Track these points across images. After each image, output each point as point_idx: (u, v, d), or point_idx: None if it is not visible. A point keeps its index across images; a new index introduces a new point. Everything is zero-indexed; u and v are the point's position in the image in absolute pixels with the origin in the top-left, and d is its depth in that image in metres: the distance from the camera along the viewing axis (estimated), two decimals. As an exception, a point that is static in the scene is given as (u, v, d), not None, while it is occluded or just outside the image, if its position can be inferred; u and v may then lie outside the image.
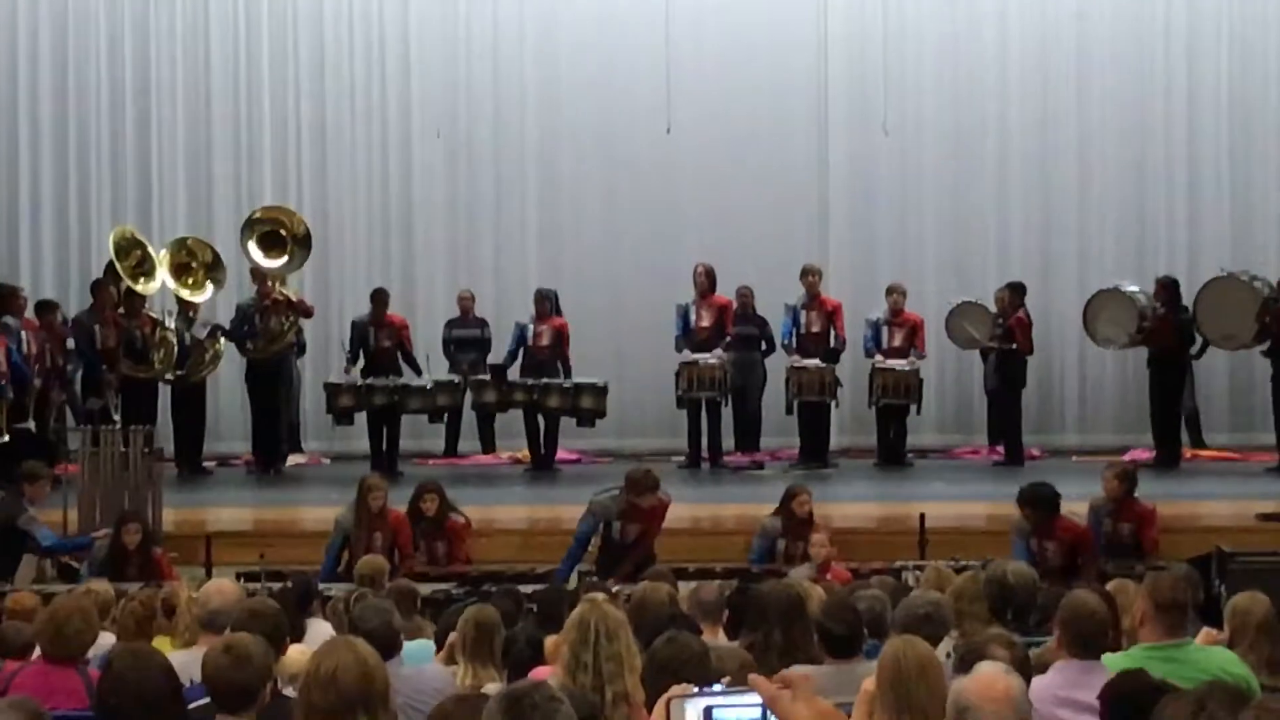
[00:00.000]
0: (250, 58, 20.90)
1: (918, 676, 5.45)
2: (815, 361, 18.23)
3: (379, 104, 21.01)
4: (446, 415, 18.83)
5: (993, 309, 18.76)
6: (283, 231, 18.35)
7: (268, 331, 18.39)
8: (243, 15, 20.90)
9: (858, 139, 20.66)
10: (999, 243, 20.76)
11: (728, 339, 18.35)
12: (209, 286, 18.51)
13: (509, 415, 18.77)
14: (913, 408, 18.59)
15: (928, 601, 8.27)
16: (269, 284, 18.33)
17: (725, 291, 18.56)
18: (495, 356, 18.81)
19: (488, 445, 19.49)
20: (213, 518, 15.91)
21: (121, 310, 18.17)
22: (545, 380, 18.11)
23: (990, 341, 18.66)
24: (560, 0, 20.89)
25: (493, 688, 7.02)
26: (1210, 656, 7.19)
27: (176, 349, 18.20)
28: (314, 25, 20.93)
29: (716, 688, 4.34)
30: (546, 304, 18.56)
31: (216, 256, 18.57)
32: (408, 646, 8.11)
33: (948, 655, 7.49)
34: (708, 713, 4.23)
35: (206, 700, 5.85)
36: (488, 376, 18.26)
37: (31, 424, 17.04)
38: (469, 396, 18.46)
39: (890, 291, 18.72)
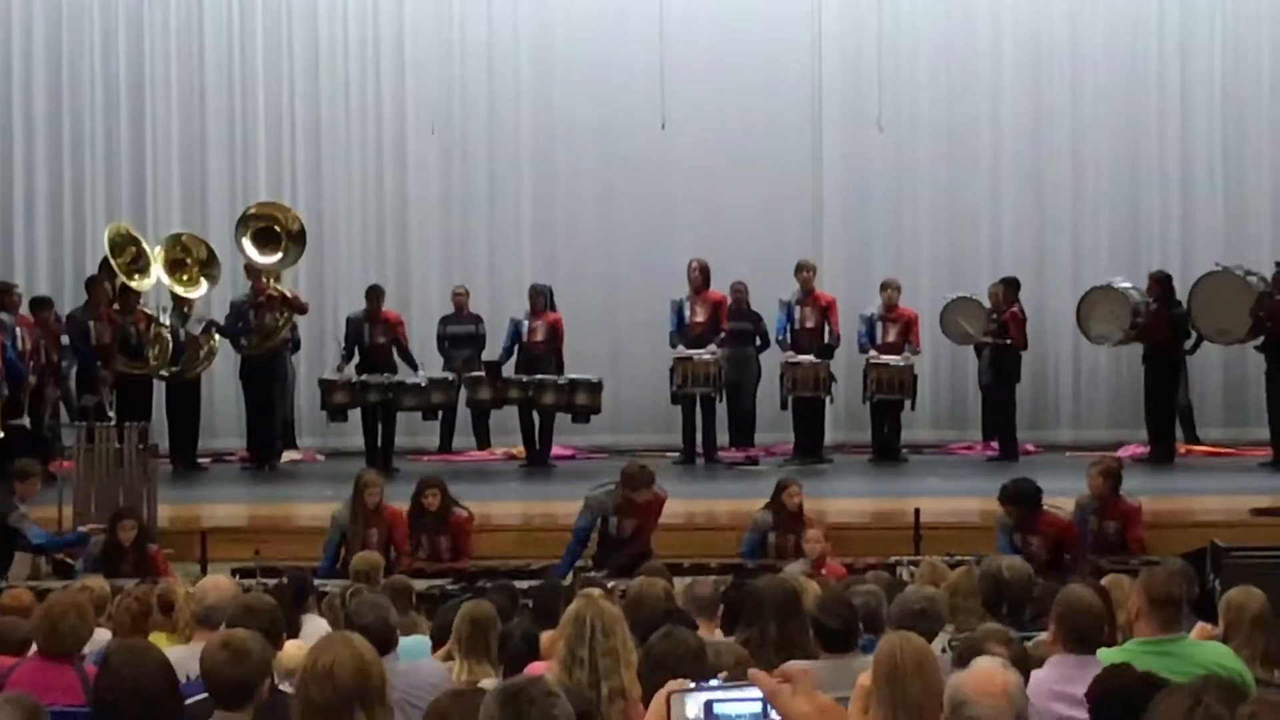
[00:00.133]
0: (245, 54, 20.89)
1: (914, 672, 5.46)
2: (810, 357, 18.23)
3: (373, 100, 21.00)
4: (441, 412, 18.83)
5: (987, 304, 18.78)
6: (277, 227, 18.35)
7: (262, 328, 18.39)
8: (237, 11, 20.88)
9: (852, 135, 20.68)
10: (993, 238, 20.77)
11: (722, 335, 18.35)
12: (204, 283, 18.51)
13: (504, 411, 18.77)
14: (907, 403, 18.59)
15: (923, 597, 8.28)
16: (264, 280, 18.33)
17: (720, 287, 18.56)
18: (490, 353, 18.81)
19: (483, 441, 19.51)
20: (208, 514, 15.91)
21: (116, 306, 18.17)
22: (540, 376, 18.11)
23: (985, 337, 18.67)
24: (555, -3, 20.95)
25: (489, 683, 7.04)
26: (1205, 651, 7.20)
27: (171, 345, 18.20)
28: (308, 21, 20.92)
29: (714, 682, 4.35)
30: (541, 299, 18.57)
31: (211, 253, 18.56)
32: (404, 642, 8.11)
33: (943, 650, 7.51)
34: (708, 707, 4.24)
35: (204, 696, 5.86)
36: (482, 373, 18.26)
37: (26, 420, 17.05)
38: (464, 393, 18.45)
39: (884, 287, 18.73)
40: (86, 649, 7.74)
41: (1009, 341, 18.64)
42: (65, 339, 18.03)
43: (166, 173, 20.88)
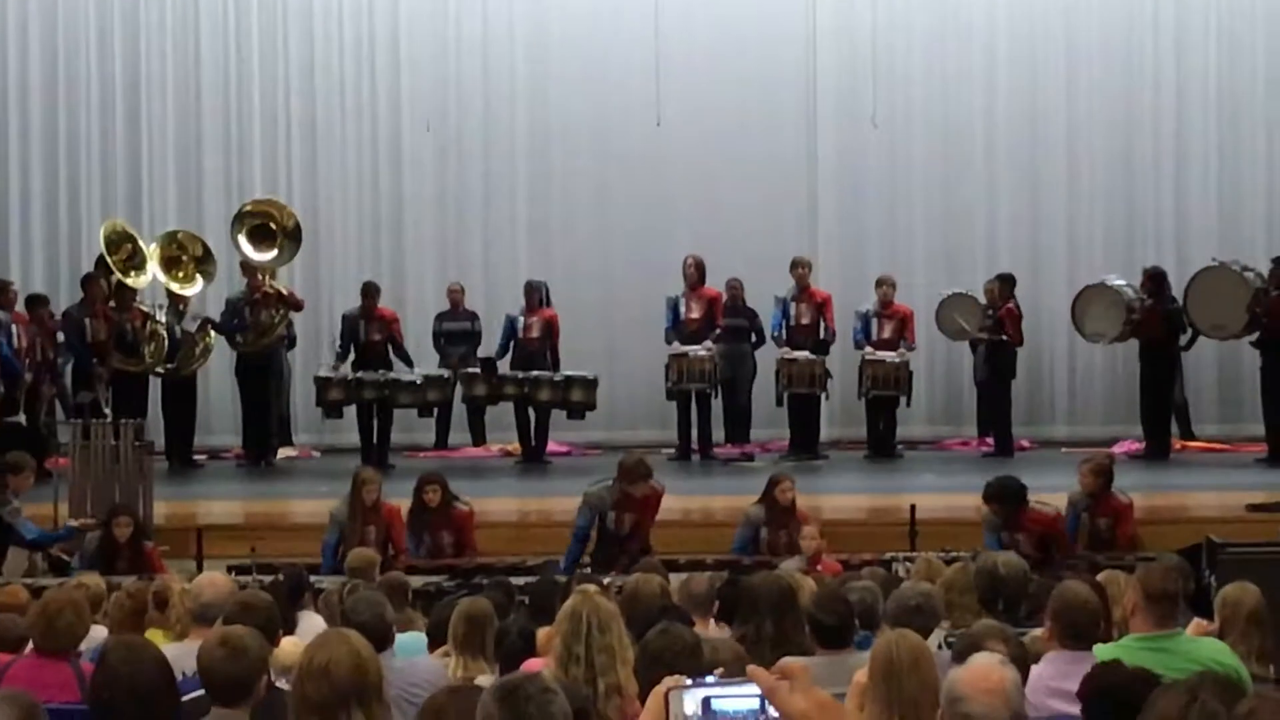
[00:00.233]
0: (240, 52, 20.88)
1: (910, 669, 5.46)
2: (805, 353, 18.24)
3: (369, 98, 20.99)
4: (437, 408, 18.83)
5: (983, 300, 18.80)
6: (273, 225, 18.33)
7: (258, 325, 18.38)
8: (232, 10, 20.87)
9: (847, 132, 20.69)
10: (988, 235, 20.78)
11: (717, 331, 18.36)
12: (199, 280, 18.49)
13: (499, 408, 18.78)
14: (902, 399, 18.62)
15: (918, 593, 8.30)
16: (259, 277, 18.32)
17: (715, 284, 18.57)
18: (485, 349, 18.82)
19: (478, 438, 19.52)
20: (203, 511, 15.89)
21: (112, 304, 18.15)
22: (536, 373, 18.12)
23: (980, 333, 18.69)
24: (550, -6, 20.95)
25: (484, 680, 7.04)
26: (1201, 647, 7.21)
27: (167, 342, 18.20)
28: (304, 19, 20.91)
29: (710, 679, 4.36)
30: (536, 295, 18.57)
31: (207, 250, 18.55)
32: (400, 639, 8.12)
33: (939, 646, 7.52)
34: (706, 703, 4.25)
35: (201, 693, 5.86)
36: (478, 369, 18.26)
37: (22, 417, 17.06)
38: (459, 389, 18.45)
39: (880, 283, 18.75)
40: (83, 646, 7.74)
41: (1004, 337, 18.67)
42: (61, 336, 18.02)
43: (162, 170, 20.88)
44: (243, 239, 18.27)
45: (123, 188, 20.79)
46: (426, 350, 19.27)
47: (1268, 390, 17.77)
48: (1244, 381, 19.33)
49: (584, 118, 20.78)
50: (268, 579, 10.81)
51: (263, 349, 18.47)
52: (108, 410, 16.91)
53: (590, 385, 18.08)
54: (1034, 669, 6.66)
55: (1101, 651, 6.77)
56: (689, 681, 4.24)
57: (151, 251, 18.24)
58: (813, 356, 18.25)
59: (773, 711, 4.11)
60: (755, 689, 4.13)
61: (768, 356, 18.74)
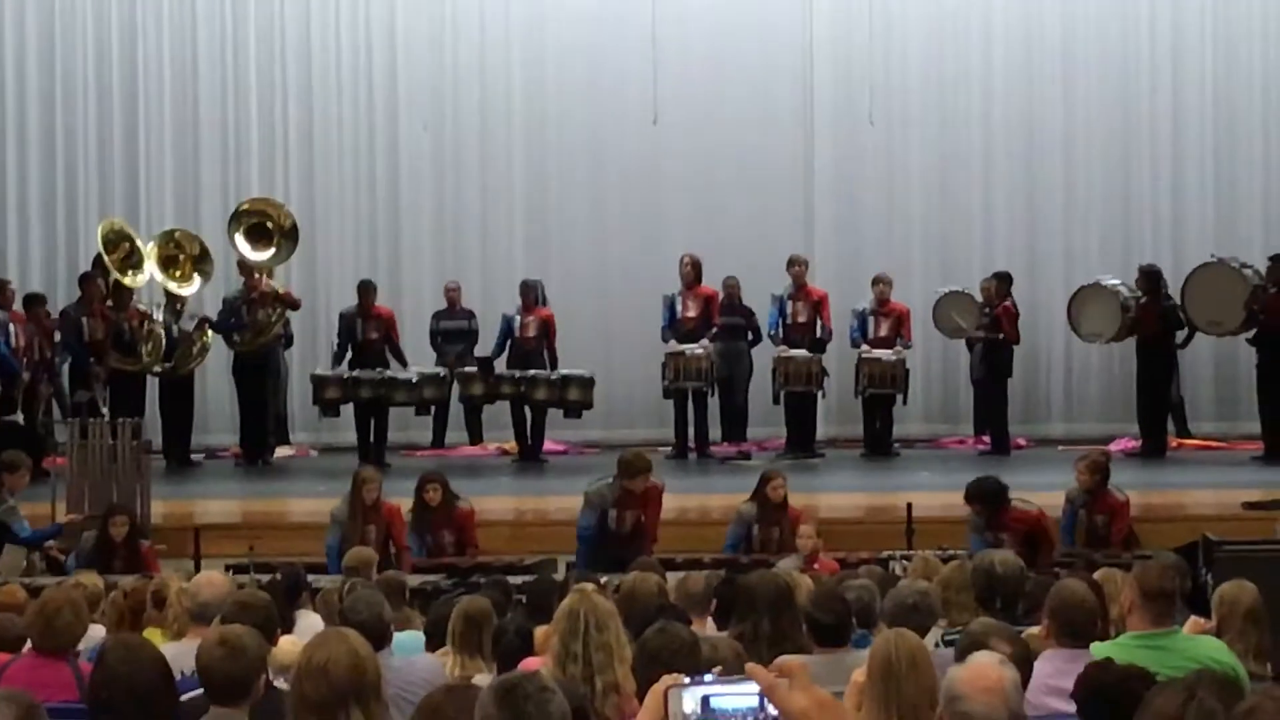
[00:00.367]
0: (238, 52, 20.87)
1: (908, 670, 5.46)
2: (802, 352, 18.25)
3: (365, 95, 20.99)
4: (434, 407, 18.83)
5: (979, 298, 18.80)
6: (269, 224, 18.31)
7: (255, 324, 18.37)
8: (230, 10, 20.86)
9: (843, 131, 20.69)
10: (984, 234, 20.79)
11: (714, 329, 18.35)
12: (196, 279, 18.46)
13: (496, 406, 18.77)
14: (899, 397, 18.62)
15: (915, 591, 8.30)
16: (256, 276, 18.31)
17: (711, 282, 18.57)
18: (482, 348, 18.82)
19: (475, 437, 19.52)
20: (201, 510, 15.90)
21: (110, 303, 18.15)
22: (532, 372, 18.11)
23: (977, 331, 18.70)
24: (547, -7, 20.96)
25: (482, 679, 7.04)
26: (1198, 645, 7.22)
27: (164, 342, 18.18)
28: (301, 15, 20.89)
29: (709, 677, 4.36)
30: (532, 294, 18.55)
31: (204, 249, 18.51)
32: (398, 638, 8.12)
33: (936, 645, 7.53)
34: (705, 701, 4.25)
35: (199, 692, 5.86)
36: (475, 368, 18.26)
37: (20, 417, 17.06)
38: (456, 388, 18.45)
39: (876, 282, 18.75)
40: (81, 645, 7.74)
41: (1001, 336, 18.68)
42: (58, 335, 18.02)
43: (159, 170, 20.87)
44: (240, 238, 18.26)
45: (120, 186, 20.80)
46: (423, 349, 19.27)
47: (1264, 388, 17.79)
48: (1240, 379, 19.35)
49: (581, 116, 20.78)
50: (265, 578, 10.81)
51: (260, 348, 18.47)
52: (105, 409, 16.93)
53: (587, 384, 18.07)
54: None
55: (1099, 650, 6.78)
56: (687, 680, 4.25)
57: (149, 251, 18.21)
58: (809, 355, 18.25)
59: (772, 709, 4.11)
60: (754, 687, 4.13)
61: (764, 355, 18.74)
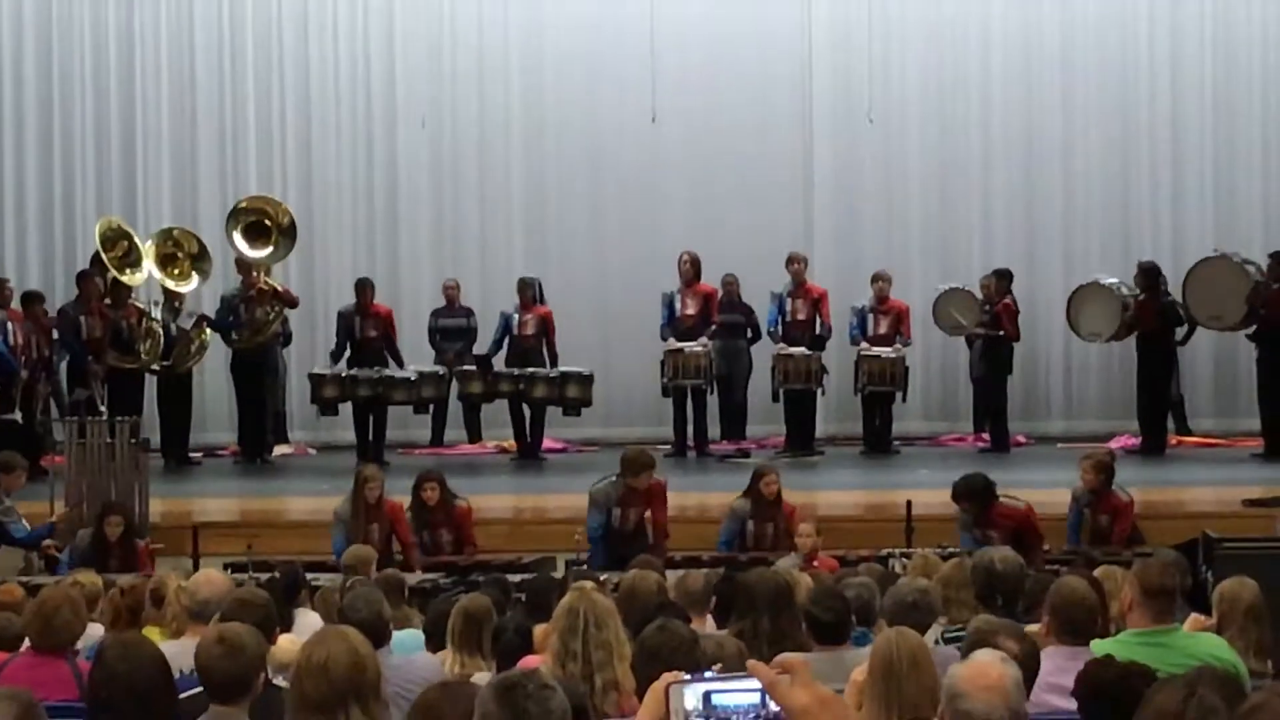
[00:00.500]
0: (235, 48, 20.85)
1: (909, 668, 5.46)
2: (801, 349, 18.24)
3: (363, 93, 20.98)
4: (432, 405, 18.83)
5: (979, 296, 18.80)
6: (268, 222, 18.30)
7: (253, 322, 18.35)
8: (227, 15, 20.85)
9: (843, 128, 20.68)
10: (984, 231, 20.79)
11: (713, 327, 18.33)
12: (194, 277, 18.44)
13: (495, 405, 18.76)
14: (898, 395, 18.60)
15: (915, 589, 8.29)
16: (254, 274, 18.30)
17: (711, 279, 18.55)
18: (481, 346, 18.81)
19: (474, 435, 19.51)
20: (199, 509, 15.88)
21: (108, 301, 18.13)
22: (531, 370, 18.09)
23: (977, 328, 18.69)
24: (545, -10, 20.95)
25: (481, 677, 7.04)
26: (1198, 642, 7.22)
27: (162, 340, 18.17)
28: (298, 15, 20.88)
29: (710, 674, 4.34)
30: (530, 292, 18.53)
31: (202, 247, 18.50)
32: (397, 636, 8.11)
33: (935, 642, 7.52)
34: (707, 698, 4.24)
35: (198, 690, 5.85)
36: (473, 366, 18.25)
37: (18, 415, 17.03)
38: (455, 386, 18.44)
39: (875, 279, 18.74)
40: (80, 644, 7.73)
41: (1001, 333, 18.68)
42: (56, 333, 18.00)
43: (157, 168, 20.85)
44: (238, 236, 18.24)
45: (118, 184, 20.78)
46: (422, 347, 19.26)
47: (1264, 384, 17.78)
48: (1240, 376, 19.37)
49: (579, 114, 20.78)
50: (264, 576, 10.81)
51: (258, 346, 18.45)
52: (103, 408, 16.88)
53: (586, 381, 18.05)
54: (1034, 664, 6.66)
55: (1099, 647, 6.77)
56: (688, 676, 4.23)
57: (147, 249, 18.20)
58: (809, 352, 18.24)
59: (773, 706, 4.09)
60: (755, 684, 4.11)
61: (764, 352, 18.73)
